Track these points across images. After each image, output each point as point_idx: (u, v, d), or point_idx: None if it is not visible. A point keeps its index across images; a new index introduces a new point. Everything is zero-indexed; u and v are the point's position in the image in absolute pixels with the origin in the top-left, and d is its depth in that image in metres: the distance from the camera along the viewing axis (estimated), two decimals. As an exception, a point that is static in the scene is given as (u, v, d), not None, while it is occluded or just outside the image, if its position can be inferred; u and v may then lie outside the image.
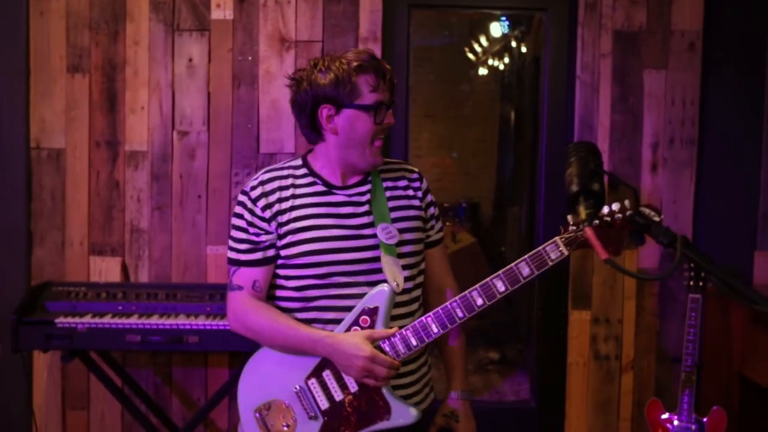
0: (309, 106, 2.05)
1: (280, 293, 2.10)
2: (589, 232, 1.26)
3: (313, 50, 3.46)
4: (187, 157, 3.48)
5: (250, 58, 3.47)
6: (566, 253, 1.88)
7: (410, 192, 2.16)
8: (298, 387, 2.04)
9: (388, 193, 2.11)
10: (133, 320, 3.01)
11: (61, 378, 3.52)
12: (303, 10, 3.46)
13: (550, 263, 1.90)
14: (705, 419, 3.15)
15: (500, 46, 6.81)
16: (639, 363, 3.62)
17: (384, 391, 1.98)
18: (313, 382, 2.02)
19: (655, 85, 3.56)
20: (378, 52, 3.46)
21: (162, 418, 3.43)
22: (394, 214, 2.09)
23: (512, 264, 1.92)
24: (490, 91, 7.48)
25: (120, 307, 3.12)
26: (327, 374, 2.01)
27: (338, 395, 2.01)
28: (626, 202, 1.79)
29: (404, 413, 1.99)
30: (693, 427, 3.14)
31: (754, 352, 3.18)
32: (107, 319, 3.01)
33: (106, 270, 3.48)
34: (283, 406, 2.05)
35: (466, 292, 1.95)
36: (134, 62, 3.46)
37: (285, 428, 2.04)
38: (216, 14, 3.46)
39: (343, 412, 2.00)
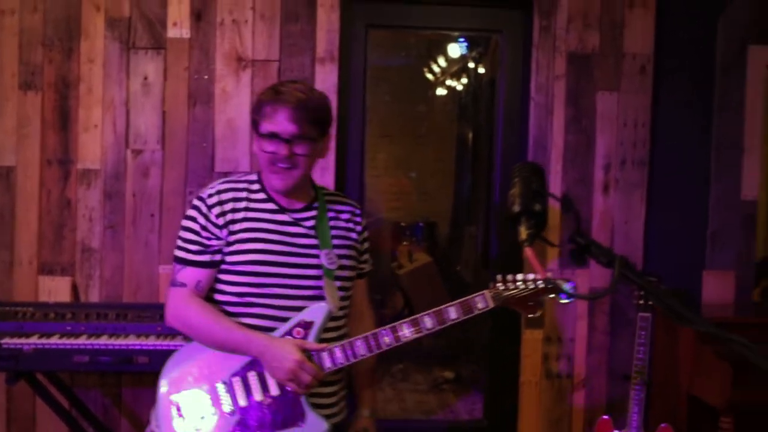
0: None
1: (219, 297, 2.22)
2: (529, 252, 1.29)
3: (270, 69, 3.46)
4: (140, 175, 3.45)
5: (206, 76, 3.45)
6: (492, 305, 2.14)
7: (351, 225, 2.36)
8: (221, 382, 2.15)
9: (331, 223, 2.30)
10: (82, 341, 2.96)
11: (6, 400, 3.43)
12: (260, 29, 3.47)
13: (476, 312, 2.14)
14: (654, 437, 3.20)
15: (458, 67, 6.88)
16: (590, 381, 3.66)
17: (302, 399, 2.13)
18: (236, 380, 2.15)
19: (607, 107, 3.62)
20: (335, 72, 3.47)
21: (111, 441, 3.37)
22: (335, 242, 2.27)
23: (442, 306, 2.13)
24: (448, 111, 7.54)
25: (68, 328, 3.06)
26: (252, 375, 2.14)
27: (258, 396, 2.14)
28: (549, 274, 2.20)
29: (317, 424, 2.13)
30: (643, 444, 3.19)
31: (701, 371, 3.22)
32: (55, 340, 2.96)
33: (56, 290, 3.42)
34: (203, 398, 2.15)
35: (397, 323, 2.13)
36: (88, 80, 3.42)
37: (201, 419, 2.14)
38: (172, 33, 3.43)
39: (260, 413, 2.12)
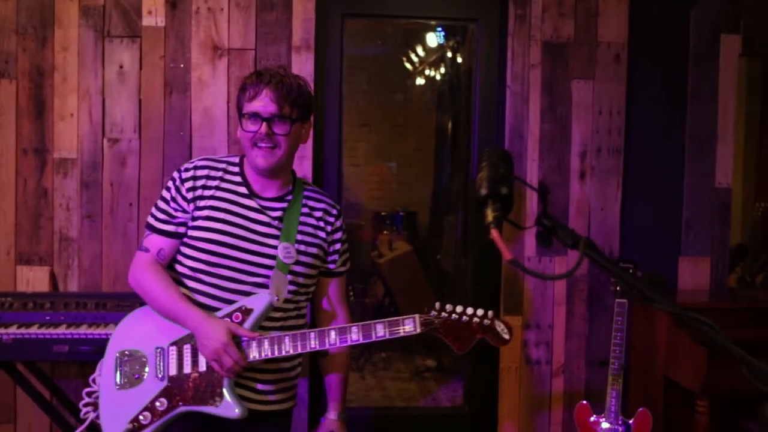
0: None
1: (178, 268, 2.31)
2: (494, 233, 1.31)
3: (246, 58, 3.46)
4: (117, 164, 3.44)
5: (182, 65, 3.45)
6: (419, 330, 2.13)
7: (321, 223, 2.38)
8: (159, 347, 2.25)
9: (302, 218, 2.33)
10: (61, 330, 2.96)
11: (-14, 391, 3.43)
12: (236, 17, 3.46)
13: (402, 333, 2.14)
14: (631, 421, 3.23)
15: (436, 57, 6.88)
16: (569, 367, 3.70)
17: (225, 381, 2.19)
18: (173, 349, 2.24)
19: (582, 95, 3.65)
20: (311, 61, 3.48)
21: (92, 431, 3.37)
22: (299, 237, 2.30)
23: (372, 321, 2.16)
24: (427, 100, 7.56)
25: (47, 317, 3.06)
26: (187, 347, 2.23)
27: (187, 368, 2.22)
28: (489, 313, 2.14)
29: (230, 408, 2.18)
30: (620, 428, 3.22)
31: (676, 355, 3.27)
32: (34, 330, 2.95)
33: (34, 279, 3.42)
34: (142, 358, 2.25)
35: (326, 327, 2.19)
36: (63, 68, 3.40)
37: (135, 378, 2.24)
38: (147, 21, 3.42)
39: (185, 385, 2.21)
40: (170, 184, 2.30)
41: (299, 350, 2.18)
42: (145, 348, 2.25)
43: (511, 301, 3.65)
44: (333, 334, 2.16)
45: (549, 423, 3.70)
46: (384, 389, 5.24)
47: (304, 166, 3.44)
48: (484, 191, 1.36)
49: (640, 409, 3.24)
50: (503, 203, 1.36)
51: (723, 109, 3.72)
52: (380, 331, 2.14)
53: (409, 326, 2.13)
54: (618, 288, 3.29)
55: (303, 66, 3.46)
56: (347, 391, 2.51)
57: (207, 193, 2.27)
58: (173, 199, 2.28)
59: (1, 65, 3.38)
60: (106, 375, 2.29)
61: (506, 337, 2.14)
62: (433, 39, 6.55)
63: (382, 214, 6.67)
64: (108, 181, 3.44)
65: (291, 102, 2.23)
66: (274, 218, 2.28)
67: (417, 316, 2.14)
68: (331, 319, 2.48)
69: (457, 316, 2.13)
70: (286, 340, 2.17)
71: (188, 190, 2.26)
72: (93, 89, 3.42)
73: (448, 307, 2.15)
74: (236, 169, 2.33)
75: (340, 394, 2.48)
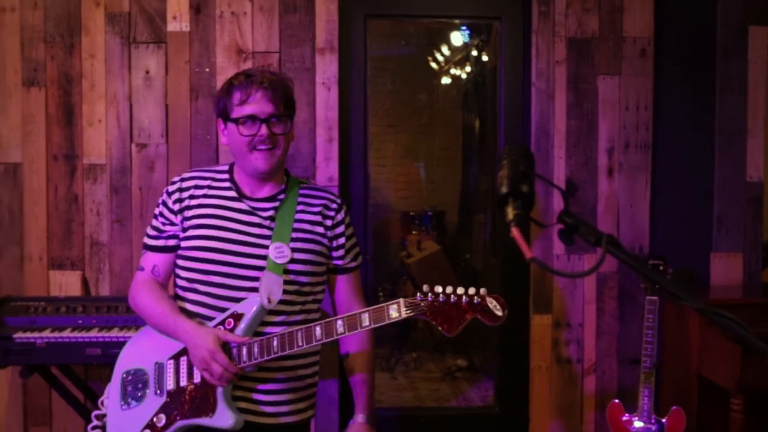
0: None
1: (177, 282, 2.27)
2: (515, 231, 1.30)
3: (270, 61, 3.48)
4: (146, 169, 3.48)
5: (207, 69, 3.48)
6: (404, 315, 1.98)
7: (319, 218, 2.28)
8: (159, 363, 2.20)
9: (297, 215, 2.25)
10: (94, 333, 3.01)
11: (23, 394, 3.48)
12: (259, 21, 3.48)
13: (387, 320, 2.00)
14: (664, 419, 3.19)
15: (462, 56, 6.87)
16: (601, 366, 3.66)
17: (219, 390, 2.11)
18: (170, 363, 2.19)
19: (608, 91, 3.62)
20: (335, 63, 3.49)
21: (124, 432, 3.40)
22: (294, 235, 2.22)
23: (357, 312, 2.05)
24: (453, 99, 7.54)
25: (80, 321, 3.11)
26: (183, 360, 2.17)
27: (183, 381, 2.16)
28: (482, 291, 1.98)
29: (225, 417, 2.09)
30: (653, 427, 3.18)
31: (709, 353, 3.22)
32: (67, 333, 3.00)
33: (66, 284, 3.47)
34: (144, 376, 2.21)
35: (312, 324, 2.08)
36: (90, 75, 3.45)
37: (139, 396, 2.20)
38: (172, 26, 3.46)
39: (182, 398, 2.15)
40: (159, 200, 2.29)
41: (286, 350, 2.07)
42: (146, 365, 2.21)
43: (540, 300, 3.63)
44: (318, 329, 2.05)
45: (581, 422, 3.67)
46: (415, 389, 5.24)
47: (330, 167, 3.45)
48: (504, 189, 1.35)
49: (674, 407, 3.20)
50: (524, 201, 1.34)
51: (753, 102, 3.67)
52: (365, 320, 2.01)
53: (393, 312, 1.99)
54: (648, 285, 3.25)
55: (327, 68, 3.47)
56: (374, 391, 2.43)
57: (194, 202, 2.22)
58: (161, 214, 2.25)
59: (30, 73, 3.44)
60: (112, 397, 2.26)
61: (499, 313, 1.98)
62: (457, 38, 6.53)
63: (411, 213, 6.65)
64: (137, 186, 3.48)
65: (284, 100, 2.19)
66: (266, 218, 2.21)
67: (402, 300, 2.00)
68: None
69: (444, 297, 1.99)
70: (274, 341, 2.08)
71: (174, 202, 2.23)
72: (120, 95, 3.46)
73: (437, 288, 2.00)
74: (225, 176, 2.28)
75: (366, 395, 2.38)
